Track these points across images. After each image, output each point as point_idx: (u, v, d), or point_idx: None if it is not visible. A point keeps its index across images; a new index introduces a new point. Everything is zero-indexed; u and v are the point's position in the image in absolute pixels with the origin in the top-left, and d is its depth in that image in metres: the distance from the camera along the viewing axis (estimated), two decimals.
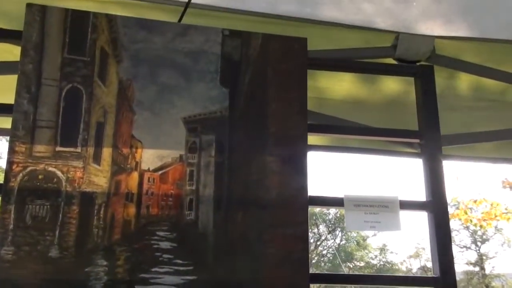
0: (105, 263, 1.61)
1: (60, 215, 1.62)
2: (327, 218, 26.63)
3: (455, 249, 24.55)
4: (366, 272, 24.59)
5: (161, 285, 1.62)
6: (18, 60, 1.70)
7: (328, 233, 26.93)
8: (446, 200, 1.90)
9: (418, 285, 1.91)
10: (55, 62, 1.73)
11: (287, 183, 1.78)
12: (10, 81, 1.73)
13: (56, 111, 1.70)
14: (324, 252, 26.35)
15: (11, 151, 1.63)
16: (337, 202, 1.90)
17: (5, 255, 1.55)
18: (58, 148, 1.67)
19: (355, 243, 26.52)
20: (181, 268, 1.65)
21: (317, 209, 26.23)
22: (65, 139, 1.68)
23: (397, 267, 25.45)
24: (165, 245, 1.67)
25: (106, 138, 1.72)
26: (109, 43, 1.80)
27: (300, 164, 1.81)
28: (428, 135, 1.99)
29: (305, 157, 1.82)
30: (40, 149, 1.65)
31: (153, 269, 1.63)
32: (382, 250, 26.37)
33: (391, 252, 26.28)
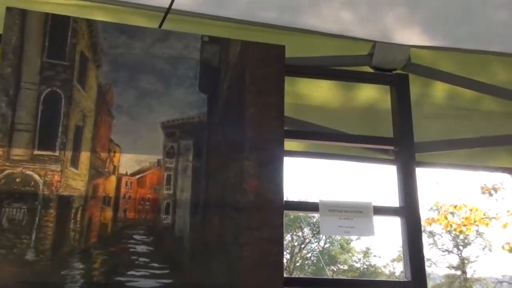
0: (81, 266, 1.62)
1: (37, 218, 1.63)
2: (311, 221, 26.71)
3: (437, 253, 24.79)
4: (350, 275, 24.70)
5: None
6: None
7: (312, 236, 27.01)
8: (418, 206, 1.94)
9: None
10: (34, 66, 1.75)
11: (263, 187, 1.81)
12: None
13: (35, 115, 1.71)
14: (309, 255, 26.43)
15: None
16: (312, 207, 1.93)
17: None
18: (36, 152, 1.68)
19: (339, 246, 26.65)
20: (157, 272, 1.67)
21: (301, 213, 26.34)
22: (43, 142, 1.69)
23: (380, 270, 25.64)
24: (141, 248, 1.69)
25: (85, 142, 1.74)
26: (89, 48, 1.81)
27: (277, 169, 1.84)
28: (402, 142, 2.03)
29: (281, 162, 1.86)
30: (18, 152, 1.66)
31: (129, 272, 1.65)
32: (366, 253, 26.54)
33: (375, 256, 26.43)
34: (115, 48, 1.84)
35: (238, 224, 1.76)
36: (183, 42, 1.91)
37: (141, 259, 1.68)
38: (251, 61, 1.94)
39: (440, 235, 24.27)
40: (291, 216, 26.46)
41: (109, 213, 1.70)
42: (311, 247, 26.77)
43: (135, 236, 1.70)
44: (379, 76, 2.18)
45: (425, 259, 1.91)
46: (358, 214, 1.89)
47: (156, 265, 1.68)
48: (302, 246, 26.47)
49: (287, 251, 25.84)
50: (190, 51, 1.91)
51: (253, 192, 1.80)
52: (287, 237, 26.84)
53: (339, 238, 26.50)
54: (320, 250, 25.90)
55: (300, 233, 26.65)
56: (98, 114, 1.77)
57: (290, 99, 2.08)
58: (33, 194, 1.64)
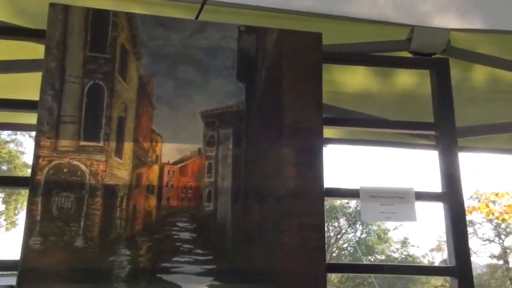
0: (128, 252, 1.67)
1: (84, 207, 1.68)
2: (347, 211, 26.60)
3: (477, 242, 24.30)
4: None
5: (182, 274, 1.67)
6: (42, 58, 1.77)
7: (349, 227, 26.89)
8: (462, 191, 1.92)
9: (435, 274, 1.94)
10: (77, 60, 1.80)
11: (303, 175, 1.82)
12: (35, 78, 1.80)
13: (79, 107, 1.76)
14: (345, 245, 26.34)
15: (37, 145, 1.70)
16: (353, 194, 1.93)
17: (33, 244, 1.62)
18: (82, 143, 1.74)
19: (376, 236, 26.45)
20: (201, 258, 1.70)
21: (337, 202, 26.22)
22: (88, 133, 1.75)
23: (419, 260, 25.33)
24: (185, 235, 1.73)
25: (127, 132, 1.78)
26: (129, 41, 1.85)
27: (316, 156, 1.85)
28: (443, 127, 2.01)
29: (321, 149, 1.86)
30: (64, 143, 1.72)
31: (174, 259, 1.69)
32: (404, 243, 26.27)
33: (413, 246, 26.16)
34: (154, 40, 1.87)
35: (278, 211, 1.78)
36: (220, 32, 1.93)
37: (185, 245, 1.71)
38: (288, 49, 1.95)
39: (481, 224, 23.79)
40: (327, 207, 26.39)
41: (153, 201, 1.74)
42: (348, 237, 26.65)
43: (178, 224, 1.74)
44: (419, 60, 2.16)
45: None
46: (400, 200, 1.88)
47: (199, 251, 1.71)
48: (339, 236, 26.38)
49: None
50: (227, 41, 1.93)
51: (292, 180, 1.81)
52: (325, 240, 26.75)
53: (375, 228, 26.30)
54: (356, 240, 25.74)
55: (336, 224, 26.56)
56: (139, 105, 1.81)
57: (327, 87, 2.08)
58: (80, 184, 1.70)
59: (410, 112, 2.17)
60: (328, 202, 26.69)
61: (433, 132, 2.04)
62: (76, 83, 1.78)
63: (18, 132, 18.42)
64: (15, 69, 2.07)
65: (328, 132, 2.07)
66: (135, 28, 1.87)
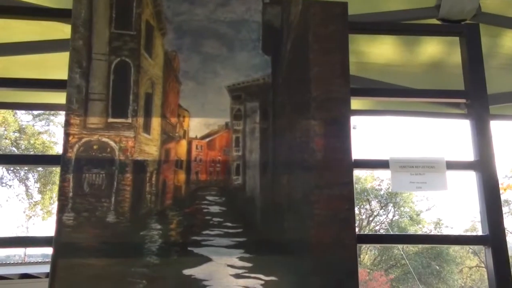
0: (158, 226, 1.69)
1: (115, 183, 1.71)
2: (379, 193, 26.39)
3: None
4: (421, 247, 24.25)
5: (212, 246, 1.68)
6: (68, 38, 1.79)
7: (380, 209, 26.69)
8: (494, 159, 1.87)
9: (468, 243, 1.91)
10: (103, 37, 1.81)
11: (331, 146, 1.81)
12: (63, 58, 1.82)
13: (107, 84, 1.78)
14: (377, 227, 26.16)
15: (67, 123, 1.73)
16: (382, 164, 1.91)
17: (66, 220, 1.65)
18: (110, 120, 1.75)
19: (409, 218, 26.18)
20: (231, 231, 1.71)
21: (368, 185, 26.03)
22: (116, 110, 1.76)
23: None
24: (214, 209, 1.74)
25: (155, 108, 1.79)
26: (153, 17, 1.86)
27: (344, 127, 1.83)
28: (475, 94, 1.96)
29: (348, 120, 1.84)
30: (93, 120, 1.74)
31: (204, 232, 1.70)
32: (437, 224, 25.94)
33: (446, 227, 25.74)
34: (178, 15, 1.87)
35: (307, 183, 1.77)
36: (245, 5, 1.92)
37: (215, 219, 1.72)
38: (313, 20, 1.92)
39: None
40: (358, 189, 26.23)
41: (182, 176, 1.75)
42: (380, 219, 26.48)
43: (208, 197, 1.75)
44: (449, 27, 2.10)
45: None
46: (430, 170, 1.85)
47: (229, 224, 1.72)
48: (370, 219, 26.23)
49: (355, 224, 25.66)
50: (252, 13, 1.91)
51: (320, 151, 1.80)
52: (355, 210, 26.63)
53: (408, 209, 26.03)
54: (389, 222, 25.55)
55: (367, 206, 26.39)
56: (166, 81, 1.82)
57: (354, 58, 2.05)
58: (110, 160, 1.72)
59: (437, 82, 2.12)
60: (359, 185, 26.54)
61: (464, 100, 1.99)
62: (103, 61, 1.79)
63: (51, 123, 18.80)
64: (44, 50, 2.09)
65: (356, 104, 2.05)
66: (159, 4, 1.87)
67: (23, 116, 18.55)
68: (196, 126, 1.80)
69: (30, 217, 19.28)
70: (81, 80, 1.76)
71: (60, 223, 1.65)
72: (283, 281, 1.67)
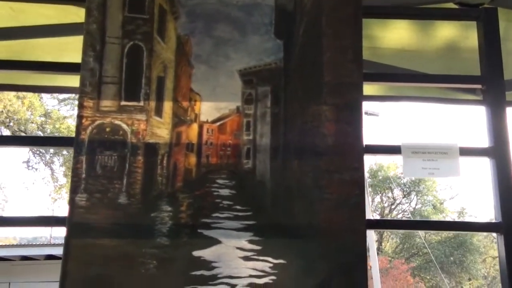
0: (169, 208, 1.71)
1: (127, 165, 1.73)
2: (401, 182, 26.20)
3: None
4: (444, 236, 24.07)
5: (222, 229, 1.70)
6: (83, 22, 1.81)
7: (403, 197, 26.51)
8: (509, 146, 1.85)
9: (480, 230, 1.90)
10: (117, 21, 1.83)
11: (342, 131, 1.80)
12: (77, 41, 1.84)
13: (120, 68, 1.80)
14: (399, 216, 26.00)
15: (80, 106, 1.75)
16: (394, 150, 1.89)
17: (79, 201, 1.69)
18: (123, 103, 1.78)
19: (432, 206, 25.97)
20: (240, 214, 1.72)
21: (391, 173, 25.84)
22: (128, 93, 1.78)
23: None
24: (224, 192, 1.75)
25: (167, 92, 1.81)
26: (166, 0, 1.87)
27: (356, 112, 1.82)
28: (491, 80, 1.92)
29: (360, 105, 1.83)
30: (106, 103, 1.77)
31: (214, 215, 1.72)
32: (461, 213, 25.68)
33: (470, 216, 25.46)
34: None
35: (318, 167, 1.77)
36: None
37: (225, 202, 1.74)
38: (326, 4, 1.91)
39: None
40: (380, 177, 26.06)
41: (193, 159, 1.77)
42: (402, 208, 26.31)
43: (218, 180, 1.76)
44: (466, 12, 2.06)
45: None
46: (443, 156, 1.83)
47: (239, 207, 1.73)
48: (393, 207, 26.08)
49: (377, 212, 25.56)
50: None
51: (331, 136, 1.79)
52: (377, 199, 26.52)
53: (431, 198, 25.80)
54: (411, 211, 25.37)
55: (390, 194, 26.24)
56: (178, 64, 1.83)
57: (367, 43, 2.02)
58: (122, 142, 1.74)
59: (453, 67, 2.09)
60: (382, 173, 26.34)
61: (479, 86, 1.96)
62: (116, 44, 1.81)
63: (76, 108, 19.05)
64: (59, 33, 2.12)
65: (369, 89, 2.03)
66: None
67: (49, 101, 18.88)
68: (207, 109, 1.81)
69: (56, 199, 19.67)
70: (95, 64, 1.78)
71: (73, 203, 1.68)
72: (292, 264, 1.68)
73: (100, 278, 1.63)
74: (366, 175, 14.87)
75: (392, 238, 26.43)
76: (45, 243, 15.60)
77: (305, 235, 1.72)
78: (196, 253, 1.67)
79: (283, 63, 1.86)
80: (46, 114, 18.52)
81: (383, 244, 25.80)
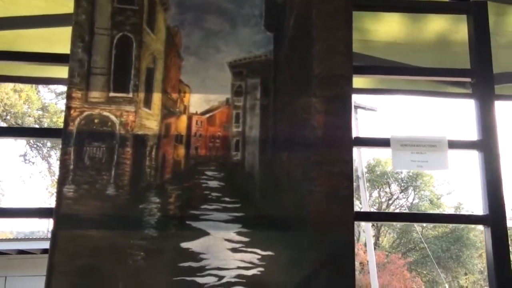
0: (157, 200, 1.71)
1: (115, 156, 1.73)
2: (399, 177, 26.25)
3: None
4: (440, 231, 24.15)
5: (210, 221, 1.70)
6: (72, 13, 1.80)
7: (400, 192, 26.56)
8: (498, 139, 1.85)
9: (467, 223, 1.90)
10: (106, 12, 1.82)
11: (331, 123, 1.80)
12: (67, 32, 1.83)
13: (109, 59, 1.79)
14: (396, 211, 26.04)
15: (69, 97, 1.75)
16: (383, 143, 1.90)
17: (67, 192, 1.69)
18: (112, 94, 1.77)
19: (429, 202, 26.03)
20: (229, 206, 1.73)
21: (389, 168, 25.87)
22: (117, 85, 1.78)
23: (473, 226, 24.79)
24: (213, 184, 1.75)
25: (156, 83, 1.80)
26: None
27: (345, 105, 1.82)
28: (480, 73, 1.92)
29: (350, 98, 1.83)
30: (95, 94, 1.76)
31: (203, 206, 1.72)
32: (457, 208, 25.75)
33: (467, 211, 25.51)
34: None
35: (307, 160, 1.77)
36: None
37: (213, 193, 1.74)
38: None
39: None
40: (378, 172, 26.10)
41: (181, 151, 1.77)
42: (399, 203, 26.37)
43: (207, 172, 1.76)
44: (456, 5, 2.06)
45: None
46: (432, 148, 1.83)
47: (227, 199, 1.73)
48: (390, 202, 26.14)
49: (375, 207, 25.63)
50: None
51: (321, 128, 1.79)
52: (374, 193, 26.57)
53: (428, 193, 25.85)
54: (408, 206, 25.42)
55: (387, 189, 26.28)
56: (167, 56, 1.83)
57: (357, 35, 2.02)
58: (110, 134, 1.74)
59: (443, 60, 2.08)
60: (379, 168, 26.37)
61: (469, 79, 1.96)
62: (105, 35, 1.81)
63: None
64: (49, 24, 2.12)
65: (360, 82, 2.03)
66: None
67: (46, 95, 18.83)
68: (196, 101, 1.81)
69: (53, 194, 19.64)
70: (83, 54, 1.78)
71: (60, 194, 1.68)
72: (280, 256, 1.68)
73: (87, 269, 1.63)
74: (364, 170, 14.87)
75: (389, 233, 26.50)
76: (42, 237, 15.60)
77: (294, 227, 1.72)
78: (184, 244, 1.68)
79: (273, 55, 1.86)
80: (44, 108, 18.50)
81: (380, 239, 25.86)
